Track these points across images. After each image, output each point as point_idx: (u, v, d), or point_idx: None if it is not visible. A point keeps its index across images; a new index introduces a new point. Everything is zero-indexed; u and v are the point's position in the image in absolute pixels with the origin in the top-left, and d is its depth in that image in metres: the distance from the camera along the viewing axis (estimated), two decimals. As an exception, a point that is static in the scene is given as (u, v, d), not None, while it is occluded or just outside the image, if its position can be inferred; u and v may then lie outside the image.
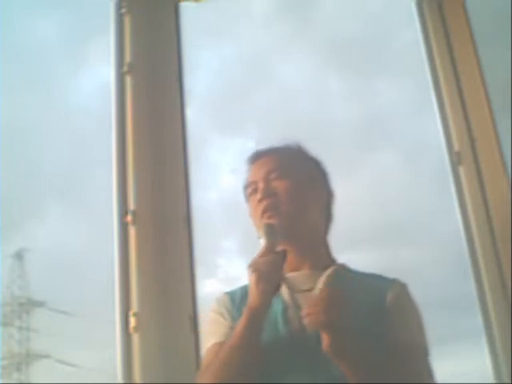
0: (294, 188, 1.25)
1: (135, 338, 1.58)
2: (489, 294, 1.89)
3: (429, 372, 1.15)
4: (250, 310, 1.09)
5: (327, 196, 1.31)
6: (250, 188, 1.29)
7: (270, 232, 1.15)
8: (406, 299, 1.22)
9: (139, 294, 1.62)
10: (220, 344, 1.15)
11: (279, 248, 1.14)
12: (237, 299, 1.22)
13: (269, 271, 1.08)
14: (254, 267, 1.09)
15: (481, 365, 1.88)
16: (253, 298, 1.09)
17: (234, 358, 1.08)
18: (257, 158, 1.32)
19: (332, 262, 1.26)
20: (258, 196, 1.24)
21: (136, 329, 1.58)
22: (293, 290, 1.19)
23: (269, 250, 1.12)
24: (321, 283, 1.18)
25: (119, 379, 1.56)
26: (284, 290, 1.18)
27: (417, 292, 1.27)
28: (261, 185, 1.25)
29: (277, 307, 1.15)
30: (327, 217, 1.30)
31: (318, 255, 1.25)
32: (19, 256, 19.95)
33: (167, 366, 1.56)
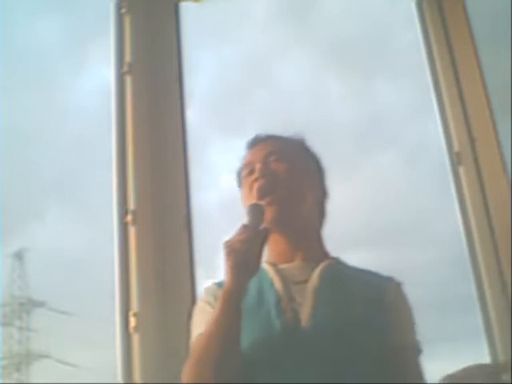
0: (292, 172, 1.21)
1: (135, 338, 1.58)
2: (489, 293, 1.89)
3: (420, 373, 1.16)
4: (224, 292, 1.04)
5: (322, 193, 1.30)
6: (246, 169, 1.25)
7: (255, 212, 1.09)
8: (404, 299, 1.22)
9: (139, 293, 1.62)
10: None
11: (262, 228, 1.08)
12: None
13: (242, 248, 1.02)
14: (227, 244, 1.03)
15: (481, 365, 1.88)
16: (226, 278, 1.04)
17: (211, 347, 1.02)
18: (256, 142, 1.29)
19: (325, 255, 1.24)
20: (255, 175, 1.21)
21: (136, 329, 1.58)
22: (286, 281, 1.16)
23: (247, 228, 1.06)
24: (315, 275, 1.16)
25: (119, 379, 1.56)
26: (277, 282, 1.16)
27: (417, 292, 1.27)
28: (258, 165, 1.22)
29: (270, 299, 1.13)
30: (321, 212, 1.29)
31: (312, 247, 1.23)
32: (19, 256, 19.95)
33: (167, 366, 1.56)
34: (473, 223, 1.97)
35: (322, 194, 1.29)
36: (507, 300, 1.86)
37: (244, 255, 1.03)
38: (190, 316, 1.21)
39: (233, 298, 1.03)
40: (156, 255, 1.67)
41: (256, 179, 1.20)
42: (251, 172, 1.24)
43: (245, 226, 1.06)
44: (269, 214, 1.14)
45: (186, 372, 1.05)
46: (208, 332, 1.04)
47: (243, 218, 1.09)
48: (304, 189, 1.23)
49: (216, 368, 1.02)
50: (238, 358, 1.04)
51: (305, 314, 1.11)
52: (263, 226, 1.09)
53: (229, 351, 1.03)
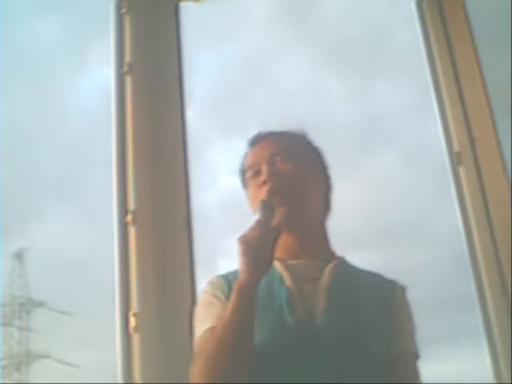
0: (299, 171, 1.22)
1: (135, 338, 1.58)
2: (489, 294, 1.89)
3: (418, 378, 1.17)
4: (239, 286, 1.04)
5: (327, 186, 1.30)
6: (251, 170, 1.25)
7: (267, 208, 1.10)
8: (408, 303, 1.23)
9: (139, 293, 1.62)
10: (213, 329, 1.07)
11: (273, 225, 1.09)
12: (233, 281, 1.13)
13: (257, 244, 1.03)
14: (242, 240, 1.03)
15: (481, 365, 1.89)
16: (241, 272, 1.04)
17: (226, 342, 1.01)
18: (258, 140, 1.29)
19: (332, 254, 1.24)
20: (263, 177, 1.21)
21: (136, 329, 1.58)
22: (297, 277, 1.16)
23: (261, 224, 1.07)
24: (327, 274, 1.16)
25: (119, 379, 1.56)
26: (287, 278, 1.16)
27: (417, 292, 1.27)
28: (265, 167, 1.22)
29: (281, 294, 1.13)
30: (326, 206, 1.29)
31: (319, 246, 1.23)
32: (19, 256, 19.98)
33: (167, 366, 1.56)
34: (473, 223, 1.97)
35: (326, 188, 1.30)
36: (507, 300, 1.86)
37: (259, 251, 1.03)
38: (190, 316, 1.20)
39: (248, 293, 1.03)
40: (156, 255, 1.67)
41: (264, 182, 1.20)
42: (257, 173, 1.24)
43: (258, 222, 1.07)
44: (279, 214, 1.15)
45: (196, 370, 1.04)
46: (222, 327, 1.03)
47: (243, 218, 1.10)
48: (310, 186, 1.24)
49: (230, 364, 1.01)
50: (251, 354, 1.03)
51: (318, 312, 1.11)
52: (274, 223, 1.10)
53: (243, 347, 1.02)
